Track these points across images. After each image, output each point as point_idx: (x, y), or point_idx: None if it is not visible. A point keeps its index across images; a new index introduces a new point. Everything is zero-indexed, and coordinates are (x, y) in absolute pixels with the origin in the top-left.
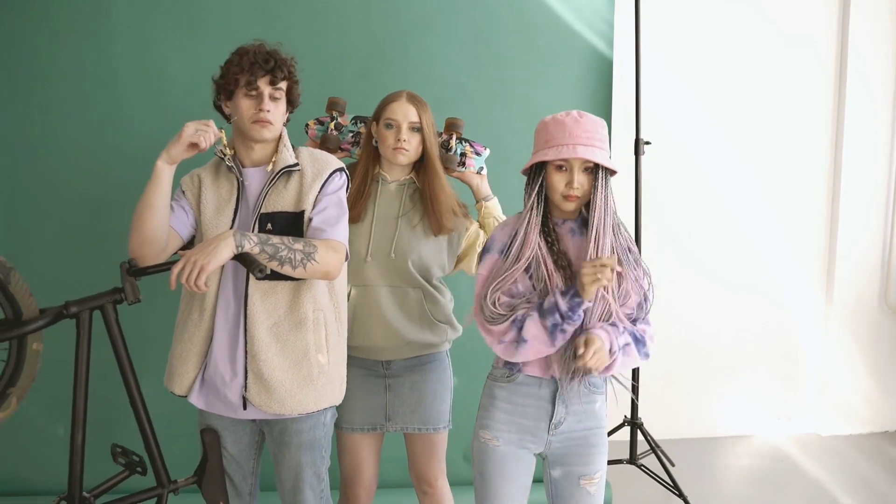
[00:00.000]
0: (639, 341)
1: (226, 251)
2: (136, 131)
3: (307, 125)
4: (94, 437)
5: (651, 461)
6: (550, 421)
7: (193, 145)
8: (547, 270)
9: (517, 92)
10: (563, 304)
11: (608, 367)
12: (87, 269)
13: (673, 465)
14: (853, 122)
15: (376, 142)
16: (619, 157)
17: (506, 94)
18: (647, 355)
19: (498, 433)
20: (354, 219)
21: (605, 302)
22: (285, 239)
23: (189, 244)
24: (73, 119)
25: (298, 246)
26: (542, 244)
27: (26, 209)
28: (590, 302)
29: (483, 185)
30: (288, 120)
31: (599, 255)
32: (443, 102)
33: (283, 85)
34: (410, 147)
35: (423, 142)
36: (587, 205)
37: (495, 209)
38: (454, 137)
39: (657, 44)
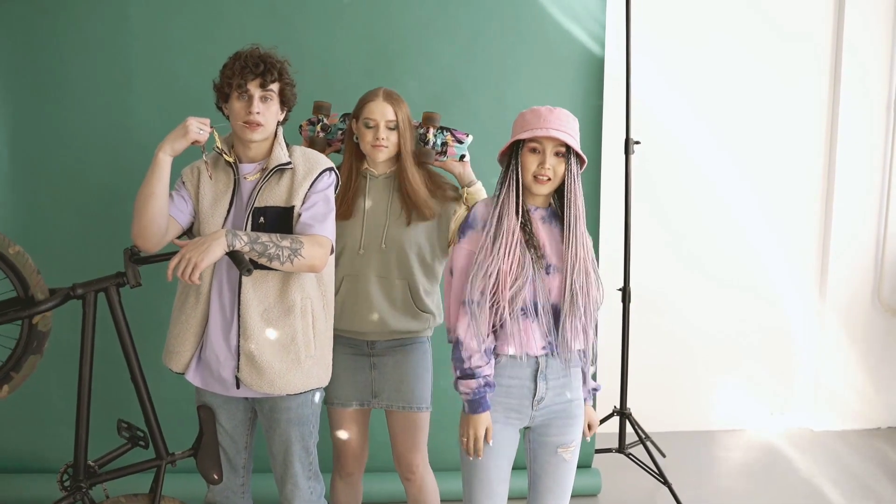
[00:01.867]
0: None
1: (218, 250)
2: (149, 129)
3: (301, 126)
4: (100, 414)
5: (640, 451)
6: (534, 398)
7: (195, 141)
8: (520, 246)
9: (511, 91)
10: (464, 395)
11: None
12: (102, 254)
13: (664, 455)
14: (848, 119)
15: (356, 138)
16: (610, 157)
17: (500, 94)
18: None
19: None
20: (346, 215)
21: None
22: (273, 236)
23: (188, 232)
24: (90, 116)
25: (286, 243)
26: (516, 223)
27: (46, 199)
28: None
29: (466, 172)
30: (286, 119)
31: (573, 238)
32: (440, 101)
33: (275, 87)
34: (389, 144)
35: (399, 137)
36: (557, 196)
37: (479, 193)
38: (431, 130)
39: (651, 42)
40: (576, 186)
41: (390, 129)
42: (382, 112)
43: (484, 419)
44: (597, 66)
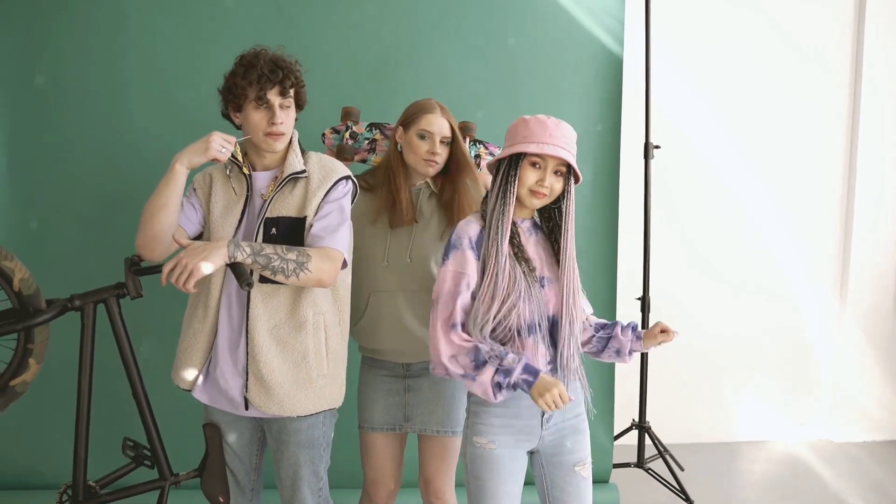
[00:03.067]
0: None
1: (218, 259)
2: (147, 132)
3: (323, 134)
4: (106, 430)
5: (659, 465)
6: (542, 416)
7: (214, 159)
8: (510, 260)
9: (527, 94)
10: (516, 375)
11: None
12: (103, 263)
13: (682, 469)
14: (868, 124)
15: (401, 148)
16: (628, 161)
17: (515, 96)
18: None
19: (493, 437)
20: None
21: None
22: (279, 248)
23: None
24: (89, 120)
25: (291, 256)
26: (507, 238)
27: (43, 206)
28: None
29: None
30: (295, 119)
31: (569, 258)
32: (452, 104)
33: (292, 92)
34: (441, 160)
35: (452, 150)
36: (541, 209)
37: None
38: (468, 141)
39: (669, 48)
40: (573, 207)
41: (444, 143)
42: (440, 126)
43: (548, 375)
44: (616, 67)
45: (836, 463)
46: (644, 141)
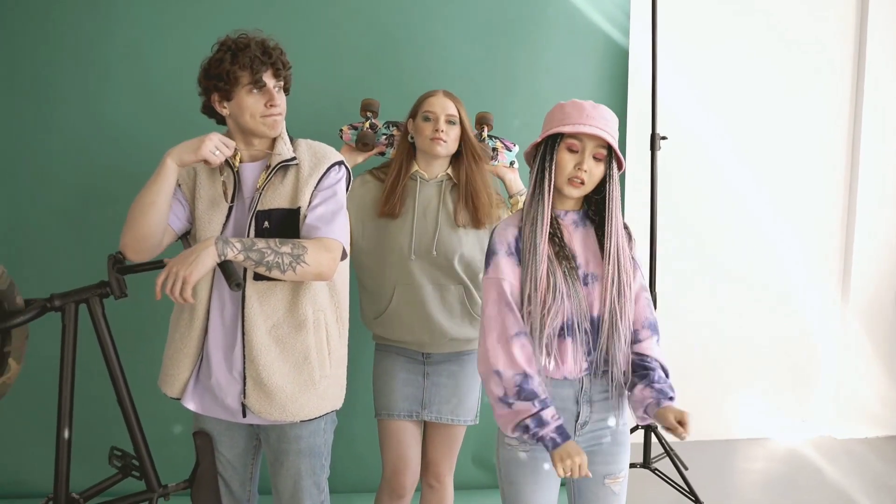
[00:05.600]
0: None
1: (208, 261)
2: (130, 125)
3: (341, 130)
4: (91, 438)
5: (665, 465)
6: (577, 421)
7: (206, 161)
8: (547, 262)
9: (530, 83)
10: (548, 430)
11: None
12: (84, 261)
13: (686, 468)
14: (870, 121)
15: (412, 138)
16: (633, 153)
17: (519, 86)
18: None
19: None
20: (392, 213)
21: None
22: (271, 242)
23: (184, 238)
24: (66, 112)
25: (286, 249)
26: (545, 236)
27: (22, 201)
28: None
29: (516, 180)
30: None
31: (614, 250)
32: (453, 91)
33: (282, 75)
34: (449, 139)
35: (462, 135)
36: (587, 198)
37: None
38: (486, 131)
39: (672, 42)
40: (617, 192)
41: (450, 123)
42: (443, 106)
43: (575, 444)
44: (621, 57)
45: (839, 459)
46: (651, 132)
